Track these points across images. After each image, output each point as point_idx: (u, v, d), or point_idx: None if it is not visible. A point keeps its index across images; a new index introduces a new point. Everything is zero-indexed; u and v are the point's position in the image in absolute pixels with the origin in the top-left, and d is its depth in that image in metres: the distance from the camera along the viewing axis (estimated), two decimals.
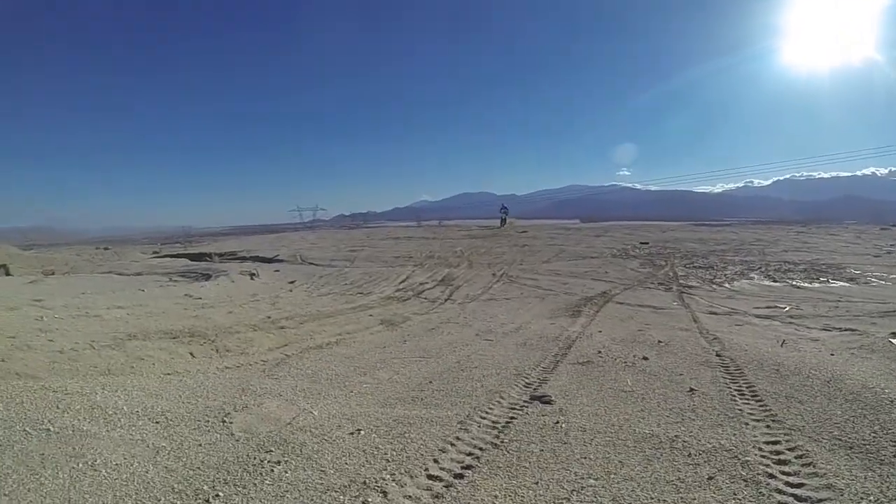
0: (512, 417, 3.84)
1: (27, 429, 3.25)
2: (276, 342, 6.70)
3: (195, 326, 7.14)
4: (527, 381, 4.85)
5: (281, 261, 20.81)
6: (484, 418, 3.82)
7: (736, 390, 4.47)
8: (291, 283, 14.81)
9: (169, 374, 4.97)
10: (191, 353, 5.87)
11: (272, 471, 2.97)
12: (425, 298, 11.29)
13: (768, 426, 3.64)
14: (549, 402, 4.15)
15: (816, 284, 12.14)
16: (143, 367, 5.15)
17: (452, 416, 3.87)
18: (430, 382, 4.85)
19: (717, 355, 5.68)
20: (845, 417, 3.72)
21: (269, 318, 8.46)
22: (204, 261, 24.31)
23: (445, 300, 11.08)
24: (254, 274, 16.56)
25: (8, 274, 23.24)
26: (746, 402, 4.17)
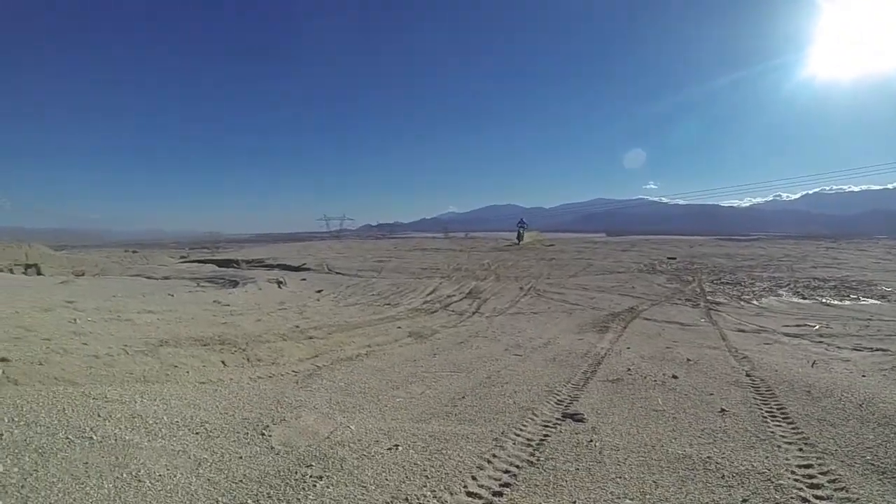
0: (546, 435, 3.91)
1: (70, 436, 3.30)
2: (306, 353, 6.81)
3: (225, 334, 7.31)
4: (558, 397, 4.92)
5: (308, 269, 21.11)
6: (518, 435, 3.90)
7: (767, 412, 4.48)
8: (318, 292, 15.02)
9: (203, 382, 5.07)
10: (222, 362, 5.98)
11: (314, 486, 3.03)
12: (453, 311, 11.42)
13: (801, 449, 3.66)
14: (581, 420, 4.23)
15: (847, 302, 11.98)
16: (178, 375, 5.23)
17: (487, 433, 3.95)
18: (463, 398, 4.95)
19: (747, 375, 5.67)
20: (878, 442, 3.73)
21: (297, 327, 8.63)
22: (231, 267, 24.82)
23: (473, 313, 11.18)
24: (281, 282, 16.83)
25: (39, 273, 24.00)
26: (778, 424, 4.19)
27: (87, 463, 3.00)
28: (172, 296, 12.88)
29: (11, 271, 24.43)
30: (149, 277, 21.25)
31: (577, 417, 4.28)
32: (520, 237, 39.65)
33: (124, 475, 2.93)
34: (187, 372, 5.37)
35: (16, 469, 2.82)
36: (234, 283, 17.49)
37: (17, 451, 3.00)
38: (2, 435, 3.14)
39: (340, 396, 4.95)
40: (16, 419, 3.39)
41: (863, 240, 40.28)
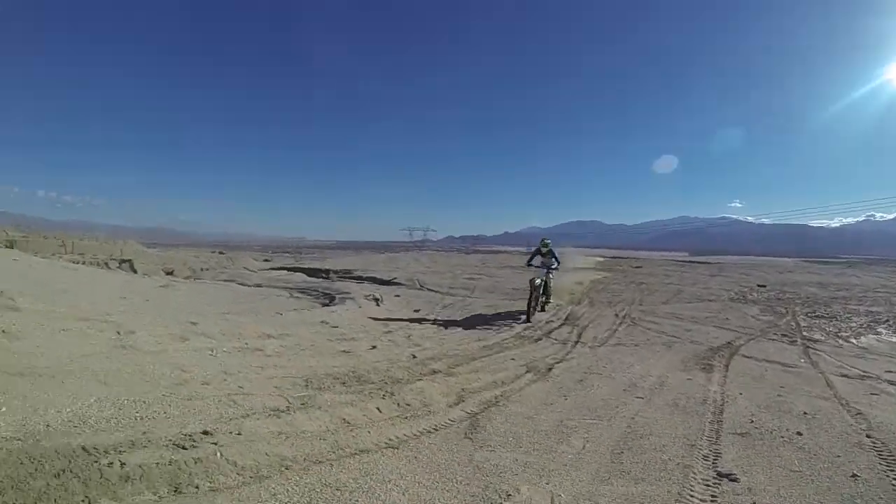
0: (713, 496, 4.57)
1: None
2: (445, 394, 7.05)
3: (355, 368, 7.79)
4: (702, 452, 5.51)
5: (399, 284, 22.03)
6: (692, 497, 4.56)
7: (895, 479, 4.98)
8: (416, 311, 15.85)
9: (395, 448, 5.06)
10: (378, 409, 6.03)
11: None
12: (555, 339, 12.08)
13: None
14: (735, 481, 4.87)
15: None
16: (362, 438, 5.13)
17: (666, 494, 4.58)
18: (621, 453, 5.52)
19: (867, 436, 6.12)
20: None
21: (414, 357, 9.15)
22: (320, 277, 26.32)
23: (576, 343, 11.76)
24: (378, 300, 17.75)
25: (133, 269, 26.57)
26: None
27: None
28: (281, 314, 14.01)
29: (108, 265, 27.19)
30: (241, 284, 22.91)
31: (731, 477, 4.93)
32: (540, 292, 14.97)
33: None
34: (368, 432, 5.31)
35: None
36: (330, 298, 18.53)
37: None
38: None
39: (522, 455, 5.23)
40: None
41: None
